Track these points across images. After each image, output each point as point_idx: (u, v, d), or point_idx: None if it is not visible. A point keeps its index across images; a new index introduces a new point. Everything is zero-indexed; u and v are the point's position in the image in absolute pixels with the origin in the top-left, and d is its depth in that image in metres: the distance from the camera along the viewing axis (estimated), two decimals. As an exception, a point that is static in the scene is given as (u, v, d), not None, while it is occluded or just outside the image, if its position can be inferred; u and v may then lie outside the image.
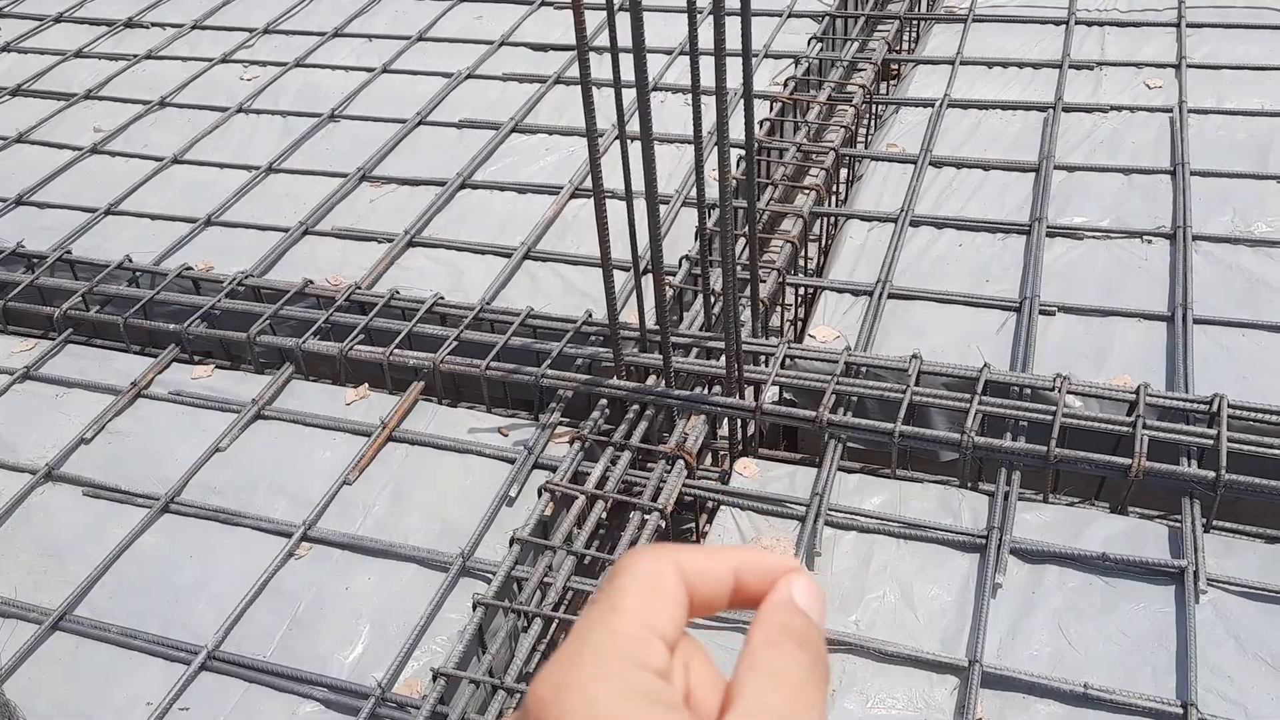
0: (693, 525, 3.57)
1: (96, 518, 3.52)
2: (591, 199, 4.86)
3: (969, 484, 3.37)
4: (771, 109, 5.24)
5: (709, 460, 3.81)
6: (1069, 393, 3.43)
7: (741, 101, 3.43)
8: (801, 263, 4.51)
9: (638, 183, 3.53)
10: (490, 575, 3.17)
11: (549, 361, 3.74)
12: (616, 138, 5.16)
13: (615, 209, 4.70)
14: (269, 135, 5.63)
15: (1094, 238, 4.24)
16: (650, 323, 3.78)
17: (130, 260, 4.61)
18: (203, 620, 3.14)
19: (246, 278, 4.41)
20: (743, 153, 4.78)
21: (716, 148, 3.32)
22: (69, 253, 4.73)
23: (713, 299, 3.96)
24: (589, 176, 4.98)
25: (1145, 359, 3.70)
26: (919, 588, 3.03)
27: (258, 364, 4.13)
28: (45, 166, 5.51)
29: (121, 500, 3.56)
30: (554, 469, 3.49)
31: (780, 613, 0.56)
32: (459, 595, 3.15)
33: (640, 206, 3.52)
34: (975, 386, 3.45)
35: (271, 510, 3.47)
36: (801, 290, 4.44)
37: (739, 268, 4.02)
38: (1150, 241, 4.18)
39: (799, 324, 4.48)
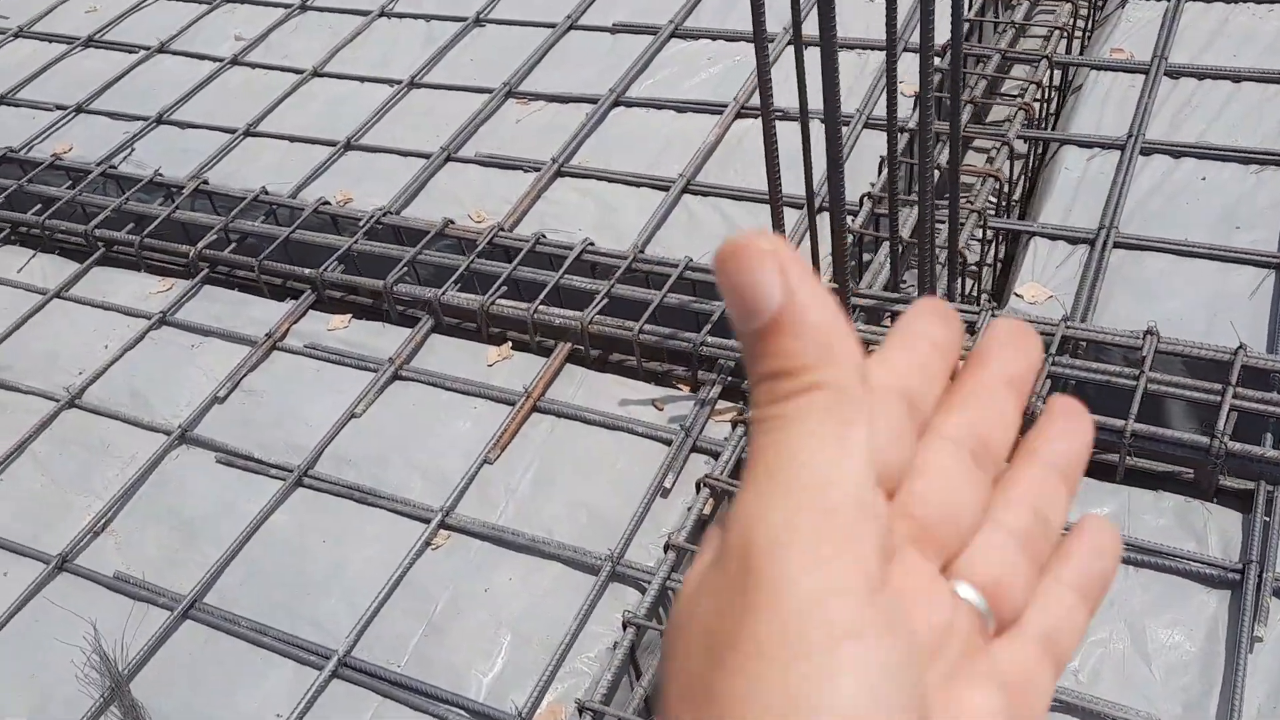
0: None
1: (228, 488, 3.32)
2: (760, 119, 4.33)
3: (1213, 496, 2.80)
4: (970, 6, 4.53)
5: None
6: (1351, 386, 2.79)
7: None
8: (1000, 201, 3.88)
9: (814, 100, 3.00)
10: (643, 581, 2.82)
11: (709, 326, 3.30)
12: (788, 43, 4.57)
13: (785, 133, 4.16)
14: (411, 43, 5.23)
15: (1377, 172, 3.47)
16: (826, 278, 3.27)
17: (266, 192, 4.35)
18: (334, 617, 2.91)
19: (384, 215, 4.08)
20: (939, 61, 4.13)
21: (919, 51, 2.74)
22: (205, 182, 4.49)
23: (899, 248, 3.42)
24: (756, 92, 4.44)
25: None
26: (1154, 631, 2.53)
27: (395, 315, 3.82)
28: (186, 81, 5.27)
29: (255, 470, 3.35)
30: (714, 454, 3.09)
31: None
32: (607, 604, 2.81)
33: (817, 132, 2.99)
34: (1229, 374, 2.84)
35: (407, 489, 3.19)
36: (998, 235, 3.82)
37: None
38: None
39: (994, 274, 3.89)
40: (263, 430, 3.47)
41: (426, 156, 4.43)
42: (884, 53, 4.24)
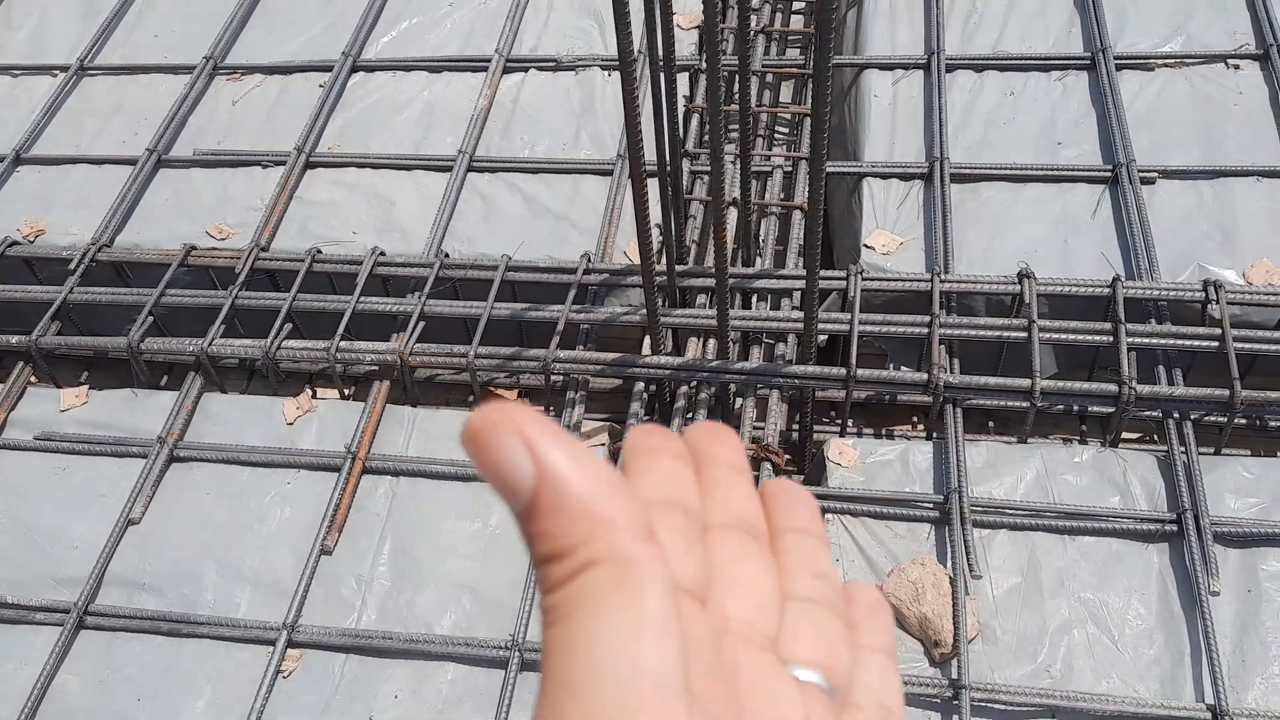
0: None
1: (-15, 652, 2.56)
2: (529, 71, 3.84)
3: (1117, 441, 2.72)
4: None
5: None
6: (1228, 303, 2.75)
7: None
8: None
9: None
10: (557, 663, 2.40)
11: (557, 339, 2.84)
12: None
13: (547, 87, 3.68)
14: (65, 13, 4.25)
15: (1167, 67, 3.47)
16: (660, 251, 2.89)
17: (-76, 238, 3.39)
18: (182, 798, 2.30)
19: (100, 249, 3.27)
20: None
21: None
22: None
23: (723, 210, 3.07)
24: (516, 40, 3.94)
25: None
26: (1109, 602, 2.41)
27: (145, 376, 3.08)
28: None
29: (14, 620, 2.60)
30: (598, 490, 2.67)
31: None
32: (524, 701, 2.38)
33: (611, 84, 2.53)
34: (1115, 308, 2.73)
35: (232, 606, 2.58)
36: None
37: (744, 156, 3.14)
38: (1238, 67, 3.44)
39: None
40: (11, 563, 2.70)
41: (130, 163, 3.60)
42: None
